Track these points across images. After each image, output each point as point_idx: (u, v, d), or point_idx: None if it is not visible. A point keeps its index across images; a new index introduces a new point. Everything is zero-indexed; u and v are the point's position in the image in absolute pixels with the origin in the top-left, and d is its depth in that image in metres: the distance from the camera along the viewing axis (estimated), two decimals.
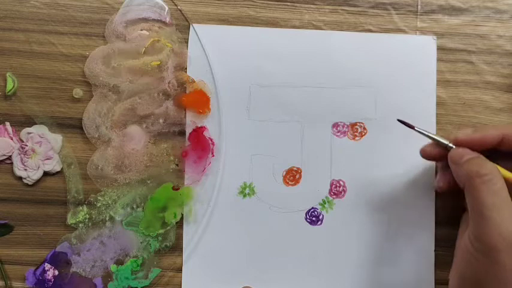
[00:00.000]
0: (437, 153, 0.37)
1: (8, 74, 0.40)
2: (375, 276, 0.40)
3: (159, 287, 0.40)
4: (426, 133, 0.37)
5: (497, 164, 0.34)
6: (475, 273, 0.33)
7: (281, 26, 0.42)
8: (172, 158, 0.40)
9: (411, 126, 0.37)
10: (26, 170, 0.40)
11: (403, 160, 0.41)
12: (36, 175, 0.40)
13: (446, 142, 0.36)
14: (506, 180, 0.33)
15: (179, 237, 0.40)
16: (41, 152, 0.40)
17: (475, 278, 0.33)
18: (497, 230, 0.31)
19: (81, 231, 0.40)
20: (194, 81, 0.41)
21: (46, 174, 0.40)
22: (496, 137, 0.35)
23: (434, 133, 0.38)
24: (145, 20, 0.41)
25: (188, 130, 0.41)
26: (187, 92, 0.41)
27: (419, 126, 0.37)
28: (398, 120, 0.37)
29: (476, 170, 0.33)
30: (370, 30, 0.42)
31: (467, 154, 0.35)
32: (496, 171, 0.33)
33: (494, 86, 0.42)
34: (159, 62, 0.40)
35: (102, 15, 0.41)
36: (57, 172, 0.40)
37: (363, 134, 0.41)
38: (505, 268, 0.31)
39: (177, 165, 0.40)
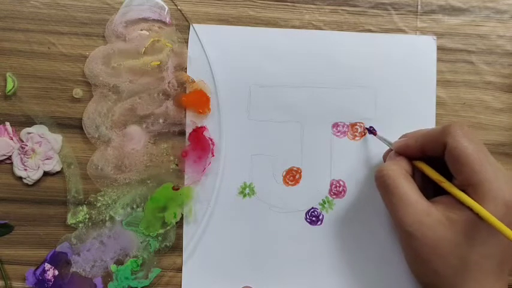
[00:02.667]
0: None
1: (8, 74, 0.40)
2: (375, 276, 0.40)
3: (159, 287, 0.40)
4: (386, 141, 0.39)
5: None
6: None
7: (281, 26, 0.42)
8: (172, 158, 0.40)
9: (374, 134, 0.40)
10: (26, 170, 0.40)
11: None
12: (36, 175, 0.40)
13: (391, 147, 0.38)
14: (432, 178, 0.35)
15: (179, 237, 0.40)
16: (41, 152, 0.40)
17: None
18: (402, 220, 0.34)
19: (81, 231, 0.40)
20: (194, 81, 0.41)
21: (46, 174, 0.40)
22: (416, 148, 0.36)
23: (391, 141, 0.39)
24: (145, 20, 0.41)
25: (188, 130, 0.41)
26: (187, 92, 0.41)
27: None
28: (367, 128, 0.41)
29: (377, 174, 0.36)
30: (370, 30, 0.42)
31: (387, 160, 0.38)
32: (389, 172, 0.35)
33: (494, 86, 0.42)
34: (159, 62, 0.40)
35: (102, 15, 0.41)
36: (57, 172, 0.40)
37: (363, 134, 0.41)
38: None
39: (177, 165, 0.40)
